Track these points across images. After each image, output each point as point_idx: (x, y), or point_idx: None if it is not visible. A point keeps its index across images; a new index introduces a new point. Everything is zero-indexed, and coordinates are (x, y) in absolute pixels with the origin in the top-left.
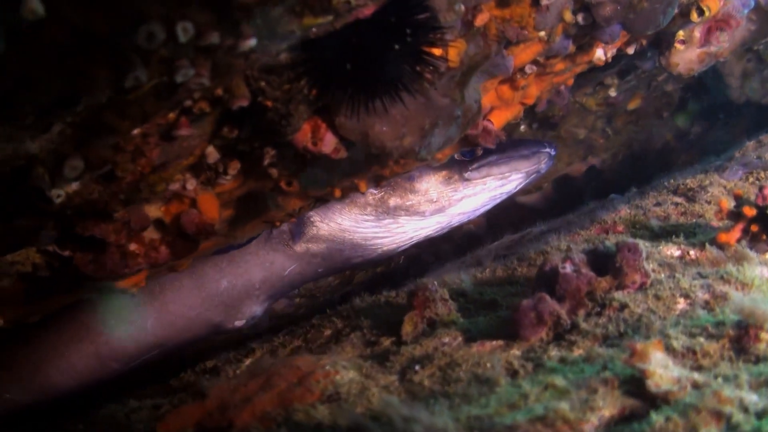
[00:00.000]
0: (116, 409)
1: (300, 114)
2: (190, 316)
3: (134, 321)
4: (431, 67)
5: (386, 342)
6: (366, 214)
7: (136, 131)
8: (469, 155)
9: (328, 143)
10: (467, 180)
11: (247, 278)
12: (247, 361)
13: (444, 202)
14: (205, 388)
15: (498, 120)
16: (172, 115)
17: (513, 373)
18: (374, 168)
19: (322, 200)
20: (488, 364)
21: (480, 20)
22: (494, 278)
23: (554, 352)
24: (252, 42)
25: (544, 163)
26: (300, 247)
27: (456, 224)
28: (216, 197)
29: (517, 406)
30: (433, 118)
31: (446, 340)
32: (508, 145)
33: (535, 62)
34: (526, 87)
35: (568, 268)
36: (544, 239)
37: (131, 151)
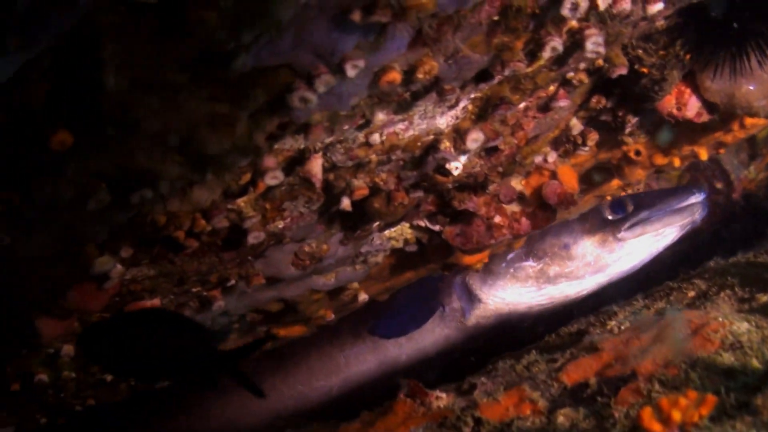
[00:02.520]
0: (513, 363)
1: (673, 79)
2: (371, 386)
3: (321, 387)
4: None
5: (764, 298)
6: (528, 286)
7: (521, 105)
8: (620, 212)
9: (692, 107)
10: (621, 240)
11: (424, 353)
12: (611, 323)
13: (601, 264)
14: (597, 342)
15: None
16: (552, 88)
17: None
18: (717, 134)
19: (660, 171)
20: None
21: None
22: None
23: None
24: (660, 6)
25: (698, 215)
26: (471, 322)
27: (615, 280)
28: (572, 168)
29: None
30: None
31: None
32: (656, 197)
33: None
34: None
35: None
36: None
37: (512, 125)
